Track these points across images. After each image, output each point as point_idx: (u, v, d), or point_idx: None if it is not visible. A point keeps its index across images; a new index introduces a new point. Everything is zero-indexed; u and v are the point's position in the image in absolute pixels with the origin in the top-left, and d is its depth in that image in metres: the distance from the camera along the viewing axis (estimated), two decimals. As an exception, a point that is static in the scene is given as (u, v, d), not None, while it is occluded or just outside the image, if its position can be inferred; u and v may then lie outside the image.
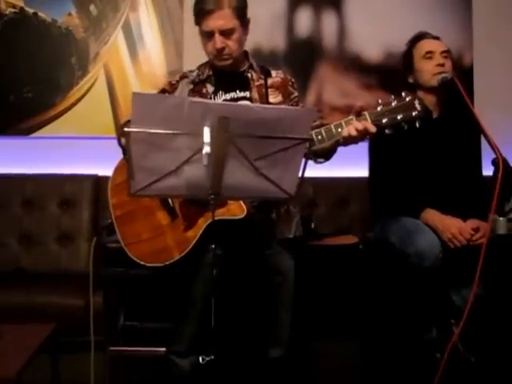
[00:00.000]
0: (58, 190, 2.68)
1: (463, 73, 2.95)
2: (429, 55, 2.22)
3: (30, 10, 2.77)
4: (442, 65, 2.20)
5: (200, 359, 1.69)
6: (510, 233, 1.89)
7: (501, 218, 1.87)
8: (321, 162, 1.94)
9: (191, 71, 2.07)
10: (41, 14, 2.78)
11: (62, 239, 2.64)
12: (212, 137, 1.33)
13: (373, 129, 1.67)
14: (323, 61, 3.00)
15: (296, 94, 2.08)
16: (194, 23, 1.95)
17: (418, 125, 1.71)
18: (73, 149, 2.80)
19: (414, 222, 2.13)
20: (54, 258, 2.60)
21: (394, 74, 2.80)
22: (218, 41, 1.89)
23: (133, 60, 2.86)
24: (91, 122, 2.83)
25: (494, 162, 1.85)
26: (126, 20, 2.85)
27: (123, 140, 1.93)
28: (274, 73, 2.07)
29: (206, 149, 1.33)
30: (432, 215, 2.12)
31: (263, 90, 2.00)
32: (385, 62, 3.00)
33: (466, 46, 3.08)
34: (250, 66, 2.05)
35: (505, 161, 1.83)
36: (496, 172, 1.81)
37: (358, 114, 1.70)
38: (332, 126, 1.73)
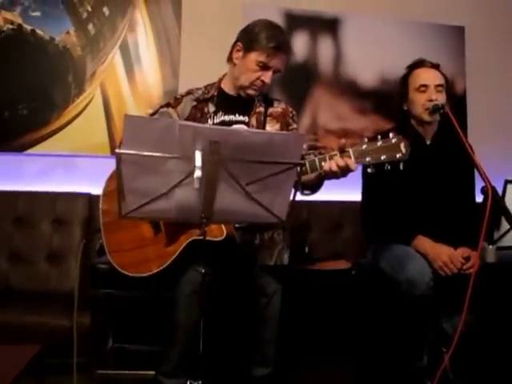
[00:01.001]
0: (50, 208, 2.66)
1: (456, 99, 3.00)
2: (423, 88, 2.24)
3: (28, 27, 2.78)
4: (435, 100, 2.20)
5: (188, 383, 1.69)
6: (499, 261, 1.90)
7: (490, 246, 1.88)
8: (307, 194, 1.95)
9: (198, 89, 2.14)
10: (39, 32, 2.79)
11: (53, 258, 2.61)
12: (203, 161, 1.34)
13: (354, 167, 1.68)
14: (319, 84, 3.03)
15: (295, 126, 2.13)
16: (246, 45, 2.01)
17: (401, 167, 1.70)
18: (66, 167, 2.80)
19: (405, 249, 2.13)
20: (44, 278, 2.56)
21: (388, 99, 2.85)
22: (269, 77, 2.00)
23: (129, 80, 2.87)
24: (86, 141, 2.83)
25: (483, 191, 1.86)
26: (123, 40, 2.87)
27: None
28: (276, 103, 2.14)
29: (198, 172, 1.34)
30: (423, 242, 2.12)
31: (262, 118, 2.07)
32: (379, 87, 3.04)
33: (459, 73, 3.13)
34: (263, 96, 2.10)
35: (493, 189, 1.84)
36: (485, 200, 1.81)
37: (342, 151, 1.71)
38: (316, 159, 1.75)
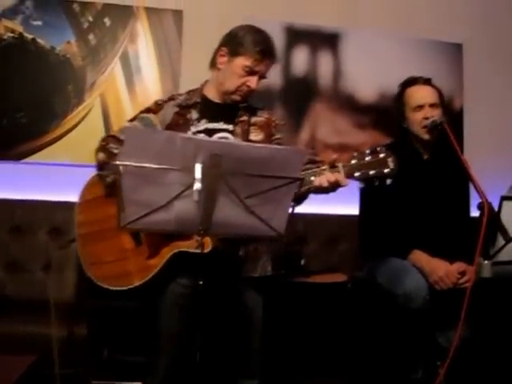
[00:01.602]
0: (47, 217, 2.64)
1: (453, 116, 3.02)
2: (418, 108, 2.27)
3: (29, 36, 2.79)
4: (431, 117, 2.23)
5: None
6: (495, 276, 1.92)
7: (486, 262, 1.89)
8: (291, 206, 1.95)
9: (180, 94, 2.09)
10: (40, 41, 2.80)
11: (49, 268, 2.57)
12: (203, 173, 1.35)
13: (344, 182, 1.70)
14: (318, 99, 3.05)
15: (278, 135, 2.08)
16: (233, 50, 1.97)
17: (388, 182, 1.72)
18: (65, 176, 2.78)
19: (402, 263, 2.14)
20: (40, 287, 2.50)
21: (387, 114, 2.87)
22: (255, 82, 1.96)
23: (129, 90, 2.88)
24: (84, 150, 2.78)
25: (480, 207, 1.88)
26: (124, 51, 2.89)
27: (101, 155, 1.95)
28: (259, 112, 2.09)
29: (197, 185, 1.35)
30: (420, 257, 2.14)
31: (246, 127, 2.02)
32: (378, 102, 3.07)
33: (457, 90, 3.16)
34: (247, 104, 2.06)
35: (490, 205, 1.86)
36: (481, 216, 1.83)
37: (332, 166, 1.72)
38: (306, 174, 1.74)
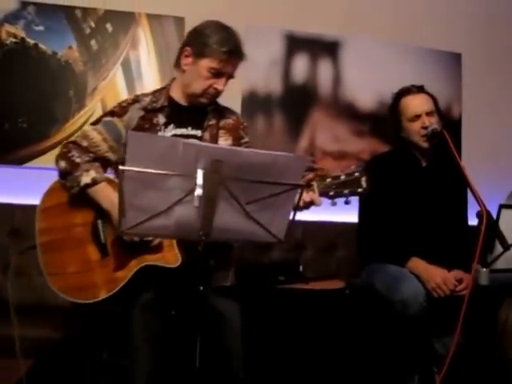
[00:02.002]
0: None
1: (451, 124, 3.05)
2: (415, 118, 2.28)
3: (31, 41, 2.80)
4: (429, 125, 2.24)
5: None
6: (492, 284, 1.93)
7: (483, 269, 1.91)
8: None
9: (145, 95, 2.00)
10: (41, 46, 2.81)
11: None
12: (204, 179, 1.35)
13: (319, 202, 1.71)
14: (317, 106, 3.08)
15: (247, 139, 2.04)
16: (197, 51, 1.88)
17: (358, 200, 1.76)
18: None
19: (399, 270, 2.16)
20: (39, 291, 2.50)
21: (385, 122, 2.87)
22: (223, 84, 1.89)
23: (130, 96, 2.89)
24: (85, 155, 2.84)
25: (478, 215, 1.90)
26: (125, 57, 2.90)
27: (62, 163, 1.89)
28: (227, 113, 2.03)
29: (198, 191, 1.34)
30: (417, 264, 2.15)
31: (214, 131, 1.96)
32: (377, 110, 3.10)
33: (455, 99, 3.18)
34: (215, 106, 2.00)
35: (488, 213, 1.88)
36: (480, 224, 1.85)
37: (307, 185, 1.71)
38: None
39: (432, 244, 2.22)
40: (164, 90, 2.01)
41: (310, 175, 1.74)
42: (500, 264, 1.97)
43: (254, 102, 2.99)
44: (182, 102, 1.97)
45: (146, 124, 1.92)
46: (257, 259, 2.66)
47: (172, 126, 1.94)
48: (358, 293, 2.30)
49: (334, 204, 1.74)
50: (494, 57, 3.28)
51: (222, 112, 2.02)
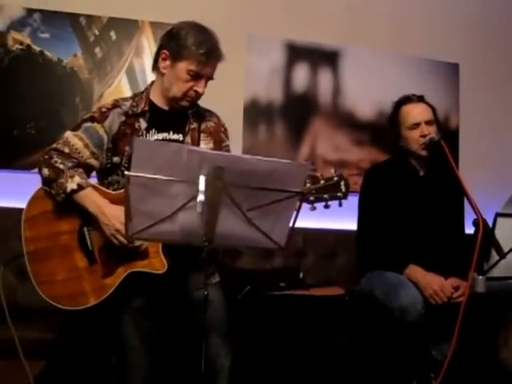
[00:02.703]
0: None
1: (449, 134, 3.07)
2: (414, 126, 2.30)
3: (37, 48, 2.82)
4: (428, 134, 2.27)
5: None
6: (488, 291, 1.95)
7: (480, 277, 1.92)
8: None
9: (124, 99, 1.98)
10: (47, 53, 2.83)
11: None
12: (207, 185, 1.37)
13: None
14: (318, 116, 3.10)
15: (227, 142, 2.04)
16: (174, 54, 1.86)
17: (340, 205, 1.77)
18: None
19: (397, 277, 2.17)
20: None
21: (384, 131, 2.90)
22: (203, 86, 1.88)
23: (135, 104, 2.91)
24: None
25: (475, 223, 1.92)
26: (130, 64, 2.92)
27: (46, 170, 1.87)
28: (207, 115, 2.02)
29: (201, 197, 1.36)
30: (415, 271, 2.17)
31: (196, 135, 1.95)
32: (377, 119, 3.12)
33: (453, 109, 3.21)
34: (196, 108, 1.99)
35: (484, 221, 1.90)
36: (476, 232, 1.87)
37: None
38: None
39: (429, 252, 2.24)
40: (143, 94, 1.98)
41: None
42: (496, 272, 1.99)
43: (255, 111, 3.01)
44: (163, 106, 1.96)
45: (127, 129, 1.90)
46: (258, 266, 2.68)
47: (154, 130, 1.92)
48: (357, 300, 2.32)
49: (313, 209, 1.75)
50: (492, 67, 3.31)
51: (203, 115, 2.01)
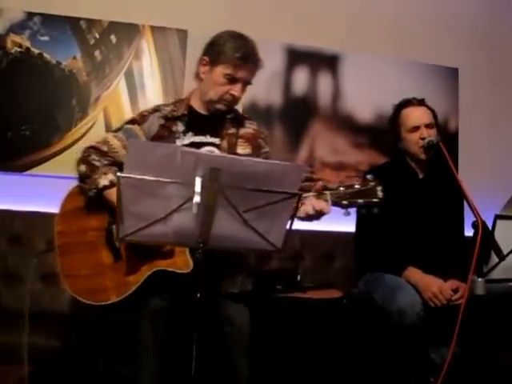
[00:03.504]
0: (46, 228, 2.52)
1: (448, 137, 3.07)
2: (414, 129, 2.31)
3: (36, 51, 2.83)
4: (428, 137, 2.27)
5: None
6: (488, 294, 1.93)
7: (479, 279, 1.91)
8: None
9: (166, 105, 2.05)
10: (46, 56, 2.84)
11: (47, 278, 2.55)
12: (203, 187, 1.36)
13: (328, 210, 1.69)
14: (317, 119, 3.10)
15: (267, 149, 2.07)
16: (212, 59, 1.94)
17: (375, 211, 1.73)
18: (66, 189, 2.80)
19: (396, 279, 2.16)
20: (36, 298, 2.49)
21: (383, 135, 2.91)
22: (240, 90, 1.93)
23: (132, 106, 2.91)
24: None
25: (474, 225, 1.91)
26: (129, 67, 2.93)
27: (82, 167, 1.93)
28: (247, 123, 2.06)
29: (197, 198, 1.35)
30: (414, 273, 2.16)
31: (233, 140, 1.99)
32: (375, 122, 3.12)
33: (452, 113, 3.21)
34: (234, 115, 2.04)
35: (484, 224, 1.89)
36: (475, 235, 1.86)
37: (320, 193, 1.71)
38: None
39: (429, 254, 2.23)
40: (184, 100, 2.06)
41: (320, 183, 1.74)
42: (496, 274, 1.97)
43: (254, 114, 2.99)
44: (202, 110, 2.02)
45: (165, 132, 1.97)
46: (255, 268, 2.67)
47: (190, 133, 1.97)
48: (355, 302, 2.31)
49: (347, 214, 1.72)
50: (491, 71, 3.31)
51: (241, 121, 2.05)
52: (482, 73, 3.28)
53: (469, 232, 2.15)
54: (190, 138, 1.97)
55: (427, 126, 2.30)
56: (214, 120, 1.99)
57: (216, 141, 1.98)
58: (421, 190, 2.34)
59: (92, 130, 2.87)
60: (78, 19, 2.89)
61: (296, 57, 3.10)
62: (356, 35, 3.17)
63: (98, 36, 2.91)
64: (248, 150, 2.01)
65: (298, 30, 3.11)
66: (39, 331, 2.15)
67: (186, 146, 1.94)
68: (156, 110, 2.03)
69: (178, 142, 1.95)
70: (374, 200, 1.71)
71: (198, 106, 2.03)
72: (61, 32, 2.86)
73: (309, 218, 1.72)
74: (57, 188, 2.79)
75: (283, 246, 1.51)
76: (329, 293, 2.36)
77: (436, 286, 2.10)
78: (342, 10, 3.18)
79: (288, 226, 1.49)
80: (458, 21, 3.31)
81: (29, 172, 2.81)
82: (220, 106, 1.96)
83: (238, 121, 2.04)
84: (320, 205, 1.68)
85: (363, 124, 3.13)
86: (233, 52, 1.90)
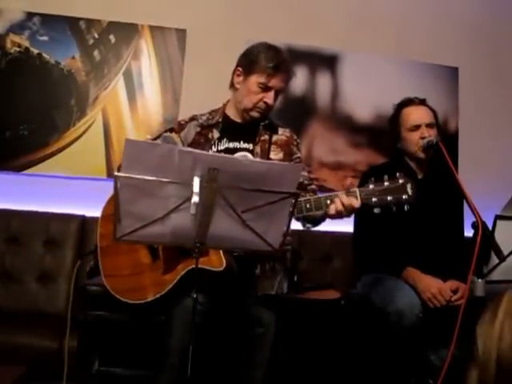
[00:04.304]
0: (43, 228, 2.63)
1: (448, 137, 3.06)
2: (415, 128, 2.30)
3: (35, 51, 2.84)
4: (428, 136, 2.26)
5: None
6: (487, 295, 1.92)
7: (479, 280, 1.89)
8: (308, 228, 1.98)
9: (202, 115, 2.13)
10: (45, 56, 2.85)
11: (43, 279, 2.57)
12: (201, 187, 1.36)
13: (358, 205, 1.71)
14: (316, 118, 3.09)
15: (299, 154, 2.13)
16: (247, 69, 2.03)
17: (406, 208, 1.72)
18: (63, 188, 2.81)
19: (395, 280, 2.15)
20: (33, 298, 2.51)
21: (382, 135, 2.91)
22: (272, 98, 2.01)
23: (131, 106, 2.92)
24: (84, 164, 2.85)
25: (474, 226, 1.90)
26: (127, 67, 2.93)
27: None
28: (280, 130, 2.13)
29: (195, 198, 1.35)
30: (413, 274, 2.15)
31: (266, 146, 2.05)
32: (374, 122, 3.11)
33: (452, 112, 3.20)
34: (268, 122, 2.10)
35: (484, 224, 1.88)
36: (475, 235, 1.85)
37: (348, 190, 1.73)
38: (321, 198, 1.76)
39: (428, 255, 2.21)
40: (220, 109, 2.14)
41: (349, 180, 1.79)
42: (496, 275, 1.96)
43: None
44: (236, 119, 2.10)
45: (201, 139, 2.06)
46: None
47: (225, 139, 2.06)
48: (353, 303, 2.30)
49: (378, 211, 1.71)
50: (491, 71, 3.30)
51: (275, 128, 2.12)
52: (482, 72, 3.27)
53: (469, 232, 2.14)
54: (225, 144, 2.05)
55: (428, 125, 2.29)
56: (248, 127, 2.07)
57: (250, 146, 2.04)
58: (420, 191, 2.32)
59: (90, 129, 2.88)
60: (77, 19, 2.89)
61: (295, 57, 3.07)
62: (355, 35, 3.16)
63: (96, 36, 2.92)
64: (280, 156, 2.07)
65: (296, 29, 3.10)
66: (36, 331, 2.17)
67: (221, 151, 2.02)
68: (193, 118, 2.12)
69: (214, 149, 2.03)
70: (404, 197, 1.70)
71: (232, 115, 2.11)
72: (60, 32, 2.87)
73: (339, 215, 1.74)
74: (54, 188, 2.83)
75: (281, 246, 1.51)
76: (327, 294, 2.35)
77: (435, 287, 2.09)
78: (341, 10, 3.18)
79: (285, 227, 1.49)
80: (458, 20, 3.30)
81: (26, 172, 2.82)
82: (254, 114, 2.04)
83: (272, 128, 2.11)
84: (350, 200, 1.71)
85: (362, 124, 3.12)
86: (266, 62, 1.99)
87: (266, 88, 2.00)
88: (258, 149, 2.04)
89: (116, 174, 1.38)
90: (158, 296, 1.81)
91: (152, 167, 1.37)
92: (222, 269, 1.76)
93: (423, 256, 2.21)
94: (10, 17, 2.83)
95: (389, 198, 1.70)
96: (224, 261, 1.77)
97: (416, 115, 2.32)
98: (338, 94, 3.12)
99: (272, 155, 2.05)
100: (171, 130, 2.09)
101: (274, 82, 2.00)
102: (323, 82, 3.12)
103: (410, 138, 2.31)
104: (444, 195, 2.33)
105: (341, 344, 2.24)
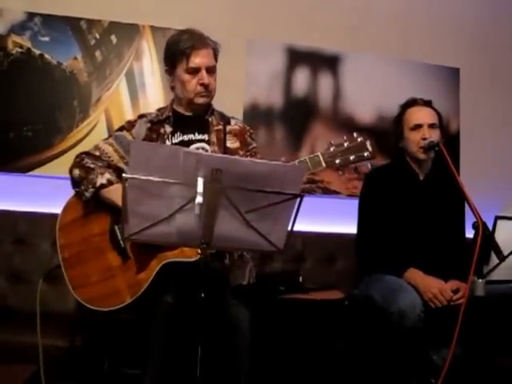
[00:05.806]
0: (50, 229, 2.58)
1: (450, 138, 3.07)
2: (417, 128, 2.31)
3: (37, 52, 2.83)
4: (429, 137, 2.26)
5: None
6: (488, 295, 1.94)
7: (479, 280, 1.91)
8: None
9: (150, 113, 2.12)
10: (47, 56, 2.84)
11: (51, 279, 2.52)
12: (205, 187, 1.37)
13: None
14: (318, 119, 3.10)
15: (254, 144, 2.12)
16: (171, 65, 2.02)
17: (369, 166, 1.77)
18: (69, 190, 2.81)
19: (397, 280, 2.16)
20: (41, 298, 2.46)
21: (384, 136, 2.91)
22: (205, 77, 1.97)
23: (133, 106, 2.92)
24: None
25: (474, 226, 1.91)
26: (129, 68, 2.94)
27: (76, 171, 1.95)
28: (233, 121, 2.12)
29: (199, 199, 1.36)
30: (414, 275, 2.16)
31: (222, 135, 2.03)
32: (376, 123, 3.12)
33: (453, 113, 3.21)
34: (212, 112, 2.09)
35: (484, 225, 1.89)
36: (476, 236, 1.87)
37: (311, 157, 1.75)
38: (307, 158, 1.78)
39: (429, 255, 2.23)
40: (167, 106, 2.12)
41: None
42: (496, 275, 1.98)
43: (255, 115, 3.02)
44: (186, 112, 2.08)
45: (153, 134, 2.03)
46: (257, 269, 2.68)
47: (178, 133, 2.03)
48: (356, 303, 2.31)
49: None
50: (492, 72, 3.32)
51: (226, 118, 2.10)
52: (483, 73, 3.29)
53: (469, 233, 2.16)
54: (179, 137, 2.03)
55: (430, 126, 2.30)
56: (199, 119, 2.05)
57: (205, 137, 2.03)
58: (421, 192, 2.34)
59: (94, 130, 2.88)
60: (78, 19, 2.89)
61: (296, 57, 3.10)
62: (356, 35, 3.18)
63: (98, 36, 2.92)
64: (237, 144, 2.05)
65: (298, 30, 3.12)
66: (45, 331, 2.13)
67: (176, 144, 1.99)
68: (141, 116, 2.10)
69: (168, 142, 2.00)
70: (365, 154, 1.73)
71: (181, 110, 2.09)
72: (61, 32, 2.87)
73: None
74: (59, 189, 2.77)
75: (285, 246, 1.52)
76: (330, 294, 2.36)
77: (436, 287, 2.11)
78: (343, 10, 3.19)
79: (290, 228, 1.50)
80: (459, 21, 3.32)
81: (31, 173, 2.82)
82: (199, 100, 2.01)
83: (222, 117, 2.09)
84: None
85: (363, 125, 3.13)
86: (180, 47, 1.96)
87: (194, 70, 1.97)
88: (213, 138, 2.03)
89: (124, 175, 1.40)
90: (135, 297, 1.78)
91: (157, 168, 1.38)
92: (196, 259, 1.73)
93: (425, 256, 2.22)
94: (11, 17, 2.82)
95: (351, 157, 1.73)
96: (198, 251, 1.71)
97: (419, 115, 2.33)
98: (340, 95, 3.13)
99: (228, 144, 2.03)
100: (122, 129, 2.08)
101: (199, 61, 1.96)
102: (325, 83, 3.13)
103: (411, 137, 2.32)
104: (445, 196, 2.34)
105: (344, 343, 2.25)
